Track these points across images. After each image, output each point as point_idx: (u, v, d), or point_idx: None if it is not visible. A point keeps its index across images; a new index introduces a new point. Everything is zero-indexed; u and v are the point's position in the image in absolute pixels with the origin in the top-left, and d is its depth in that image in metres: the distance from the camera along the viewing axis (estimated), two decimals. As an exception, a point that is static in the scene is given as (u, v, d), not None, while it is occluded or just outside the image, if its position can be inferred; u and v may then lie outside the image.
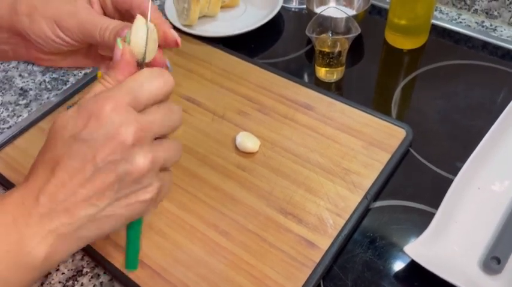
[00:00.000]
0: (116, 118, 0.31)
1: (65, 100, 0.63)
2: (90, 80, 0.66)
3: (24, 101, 0.66)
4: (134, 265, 0.41)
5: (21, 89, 0.68)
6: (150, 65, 0.36)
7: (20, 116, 0.64)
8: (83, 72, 0.70)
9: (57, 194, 0.31)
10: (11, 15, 0.38)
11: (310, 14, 0.69)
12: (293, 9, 0.79)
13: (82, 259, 0.49)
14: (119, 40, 0.34)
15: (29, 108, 0.65)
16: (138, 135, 0.31)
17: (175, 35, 0.38)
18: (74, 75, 0.70)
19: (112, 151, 0.31)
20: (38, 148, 0.58)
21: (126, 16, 0.40)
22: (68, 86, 0.68)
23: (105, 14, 0.41)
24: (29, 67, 0.72)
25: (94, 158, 0.31)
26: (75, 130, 0.31)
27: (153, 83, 0.33)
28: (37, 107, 0.65)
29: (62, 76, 0.70)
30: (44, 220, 0.31)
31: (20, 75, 0.71)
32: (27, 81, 0.69)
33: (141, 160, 0.32)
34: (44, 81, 0.69)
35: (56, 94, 0.67)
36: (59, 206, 0.31)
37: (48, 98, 0.67)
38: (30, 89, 0.68)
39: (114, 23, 0.37)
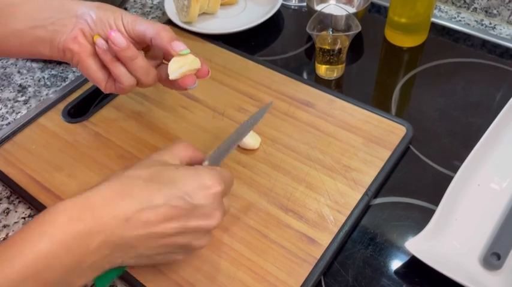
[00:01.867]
0: (218, 203, 0.39)
1: (64, 97, 0.63)
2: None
3: (23, 98, 0.66)
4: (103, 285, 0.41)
5: (20, 85, 0.68)
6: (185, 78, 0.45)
7: (19, 112, 0.64)
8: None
9: (138, 229, 0.36)
10: (82, 7, 0.46)
11: (311, 11, 0.69)
12: (293, 6, 0.79)
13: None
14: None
15: (27, 105, 0.65)
16: (219, 223, 0.39)
17: (207, 67, 0.47)
18: (73, 71, 0.69)
19: (199, 228, 0.38)
20: (37, 143, 0.58)
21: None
22: (67, 82, 0.68)
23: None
24: (28, 64, 0.71)
25: (185, 223, 0.37)
26: (187, 189, 0.37)
27: (232, 183, 0.43)
28: (36, 103, 0.65)
29: (60, 73, 0.69)
30: (112, 243, 0.35)
31: (18, 71, 0.70)
32: (26, 78, 0.69)
33: (206, 242, 0.40)
34: (43, 77, 0.69)
35: (55, 91, 0.67)
36: (132, 241, 0.36)
37: (47, 94, 0.66)
38: (29, 86, 0.68)
39: (168, 29, 0.46)
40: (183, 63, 0.44)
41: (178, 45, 0.44)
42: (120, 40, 0.43)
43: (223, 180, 0.40)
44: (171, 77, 0.44)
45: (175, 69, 0.44)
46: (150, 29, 0.44)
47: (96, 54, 0.45)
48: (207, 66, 0.46)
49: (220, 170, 0.41)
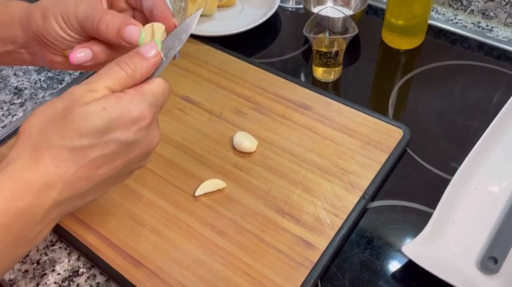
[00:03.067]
0: (153, 130, 0.37)
1: (60, 99, 0.63)
2: (85, 80, 0.65)
3: (19, 100, 0.66)
4: None
5: (16, 88, 0.68)
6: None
7: (15, 115, 0.64)
8: (78, 71, 0.69)
9: (80, 185, 0.34)
10: (28, 21, 0.40)
11: (308, 13, 0.69)
12: (290, 8, 0.78)
13: (78, 260, 0.48)
14: (157, 41, 0.37)
15: (24, 108, 0.65)
16: (158, 141, 0.38)
17: (175, 22, 0.40)
18: (70, 74, 0.69)
19: (140, 156, 0.37)
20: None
21: (137, 11, 0.42)
22: (63, 85, 0.67)
23: (114, 8, 0.42)
24: (24, 66, 0.71)
25: (125, 158, 0.35)
26: (117, 131, 0.34)
27: (167, 95, 0.38)
28: (32, 106, 0.65)
29: (57, 75, 0.69)
30: (59, 207, 0.34)
31: (14, 74, 0.70)
32: (22, 80, 0.69)
33: (148, 161, 0.39)
34: (39, 80, 0.69)
35: (51, 93, 0.66)
36: (78, 196, 0.34)
37: (43, 97, 0.66)
38: (25, 88, 0.68)
39: (109, 17, 0.38)
40: (149, 39, 0.38)
41: (130, 36, 0.37)
42: (83, 59, 0.39)
43: (157, 104, 0.36)
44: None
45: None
46: (88, 21, 0.38)
47: None
48: (173, 21, 0.39)
49: (146, 90, 0.36)
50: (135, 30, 0.37)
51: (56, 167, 0.32)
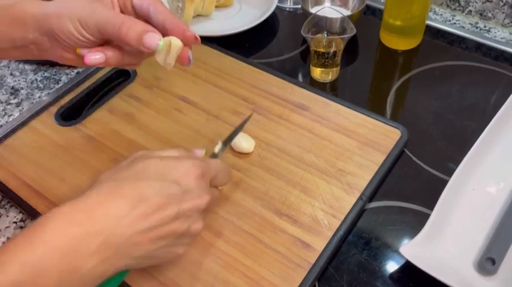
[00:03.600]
0: (202, 185, 0.40)
1: (56, 99, 0.63)
2: (82, 80, 0.65)
3: (16, 100, 0.65)
4: None
5: (13, 88, 0.67)
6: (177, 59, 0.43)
7: (11, 115, 0.63)
8: (75, 71, 0.69)
9: (135, 224, 0.35)
10: (42, 18, 0.41)
11: (305, 14, 0.69)
12: (288, 9, 0.78)
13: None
14: (203, 151, 0.46)
15: (20, 108, 0.64)
16: (208, 206, 0.41)
17: (194, 33, 0.43)
18: (66, 74, 0.69)
19: (192, 208, 0.39)
20: (29, 146, 0.57)
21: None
22: (60, 85, 0.67)
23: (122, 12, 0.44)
24: (21, 66, 0.71)
25: (181, 205, 0.38)
26: (172, 176, 0.39)
27: (224, 174, 0.45)
28: (28, 106, 0.64)
29: (54, 75, 0.69)
30: (112, 244, 0.34)
31: (11, 74, 0.70)
32: (19, 80, 0.68)
33: (201, 225, 0.41)
34: (36, 80, 0.68)
35: (48, 93, 0.66)
36: (136, 233, 0.35)
37: (40, 97, 0.66)
38: (22, 88, 0.67)
39: (131, 22, 0.40)
40: (165, 51, 0.41)
41: (150, 43, 0.40)
42: (96, 62, 0.41)
43: (208, 166, 0.42)
44: (158, 61, 0.42)
45: (163, 60, 0.41)
46: (108, 26, 0.40)
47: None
48: (190, 33, 0.42)
49: (205, 159, 0.43)
50: (155, 38, 0.40)
51: (119, 205, 0.35)
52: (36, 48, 0.43)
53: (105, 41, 0.42)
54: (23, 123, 0.60)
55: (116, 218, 0.34)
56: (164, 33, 0.41)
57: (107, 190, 0.36)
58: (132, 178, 0.38)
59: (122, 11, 0.44)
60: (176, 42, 0.41)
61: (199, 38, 0.43)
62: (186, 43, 0.42)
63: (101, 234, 0.34)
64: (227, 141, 0.51)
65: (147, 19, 0.43)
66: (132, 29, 0.39)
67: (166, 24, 0.42)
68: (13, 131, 0.59)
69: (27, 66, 0.70)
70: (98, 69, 0.66)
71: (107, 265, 0.34)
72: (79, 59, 0.43)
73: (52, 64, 0.70)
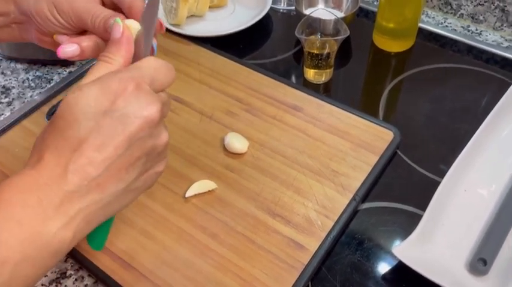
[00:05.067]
0: (143, 97, 0.33)
1: (48, 99, 0.62)
2: (74, 79, 0.65)
3: (7, 100, 0.65)
4: (101, 245, 0.41)
5: (4, 87, 0.67)
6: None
7: (2, 114, 0.63)
8: (68, 70, 0.69)
9: (87, 170, 0.31)
10: None
11: (299, 15, 0.69)
12: (282, 10, 0.78)
13: (66, 261, 0.48)
14: (118, 19, 0.37)
15: (11, 107, 0.64)
16: (161, 114, 0.34)
17: (159, 19, 0.41)
18: (59, 73, 0.68)
19: (142, 127, 0.33)
20: (21, 146, 0.57)
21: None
22: (51, 84, 0.67)
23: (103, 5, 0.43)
24: (12, 65, 0.70)
25: (126, 134, 0.32)
26: (101, 108, 0.32)
27: (163, 72, 0.36)
28: (20, 105, 0.64)
29: (45, 74, 0.68)
30: (73, 199, 0.31)
31: (2, 73, 0.69)
32: (10, 79, 0.68)
33: (165, 135, 0.35)
34: (27, 79, 0.68)
35: (40, 92, 0.65)
36: (90, 183, 0.31)
37: (31, 96, 0.65)
38: (13, 87, 0.67)
39: (106, 12, 0.39)
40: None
41: (115, 32, 0.37)
42: (70, 54, 0.40)
43: (139, 73, 0.34)
44: None
45: None
46: (85, 15, 0.39)
47: None
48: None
49: (133, 66, 0.35)
50: (116, 25, 0.37)
51: (60, 161, 0.31)
52: (17, 28, 0.43)
53: (83, 31, 0.41)
54: (14, 123, 0.59)
55: (61, 176, 0.31)
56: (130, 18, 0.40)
57: (41, 149, 0.32)
58: (59, 129, 0.32)
59: (103, 4, 0.42)
60: (134, 25, 0.38)
61: (164, 26, 0.42)
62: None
63: (54, 194, 0.31)
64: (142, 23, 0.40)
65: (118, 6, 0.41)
66: (102, 17, 0.39)
67: (132, 7, 0.40)
68: (4, 130, 0.58)
69: (19, 66, 0.70)
70: (89, 68, 0.65)
71: (77, 224, 0.32)
72: (55, 44, 0.42)
73: (44, 63, 0.69)
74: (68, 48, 0.40)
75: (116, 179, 0.33)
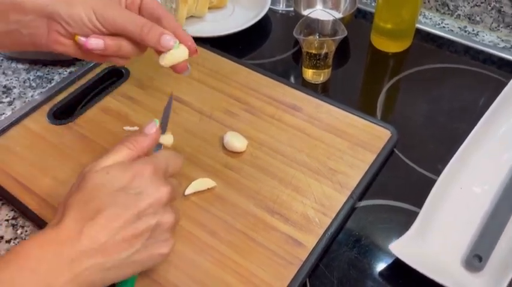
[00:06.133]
0: (156, 180, 0.40)
1: (49, 98, 0.63)
2: (75, 79, 0.65)
3: (8, 99, 0.65)
4: None
5: (5, 86, 0.67)
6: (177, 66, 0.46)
7: (3, 114, 0.63)
8: (68, 70, 0.69)
9: (98, 236, 0.36)
10: (44, 1, 0.42)
11: (298, 16, 0.70)
12: (280, 11, 0.79)
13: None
14: (157, 121, 0.44)
15: (12, 106, 0.64)
16: (169, 195, 0.40)
17: (196, 46, 0.47)
18: (59, 73, 0.69)
19: (152, 205, 0.38)
20: (22, 145, 0.57)
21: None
22: (52, 84, 0.67)
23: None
24: (13, 65, 0.71)
25: (137, 207, 0.38)
26: (120, 185, 0.38)
27: (175, 162, 0.43)
28: (21, 105, 0.64)
29: (46, 74, 0.69)
30: (83, 259, 0.35)
31: (3, 72, 0.69)
32: (11, 79, 0.68)
33: (171, 216, 0.40)
34: (28, 79, 0.68)
35: (41, 92, 0.66)
36: (99, 246, 0.36)
37: (32, 96, 0.66)
38: (14, 87, 0.67)
39: (150, 24, 0.43)
40: (176, 55, 0.45)
41: (167, 42, 0.44)
42: (96, 46, 0.43)
43: (156, 160, 0.41)
44: (162, 64, 0.45)
45: (169, 60, 0.45)
46: (130, 25, 0.43)
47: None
48: (195, 45, 0.47)
49: (152, 155, 0.43)
50: (170, 41, 0.44)
51: (75, 225, 0.36)
52: (28, 33, 0.44)
53: (109, 33, 0.43)
54: (16, 122, 0.60)
55: (74, 239, 0.36)
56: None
57: (71, 218, 0.37)
58: (82, 199, 0.38)
59: (127, 8, 0.46)
60: (184, 51, 0.45)
61: (198, 52, 0.47)
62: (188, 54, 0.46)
63: (67, 256, 0.35)
64: (163, 126, 0.50)
65: (156, 22, 0.45)
66: (152, 30, 0.43)
67: (176, 34, 0.45)
68: (5, 129, 0.59)
69: (20, 66, 0.70)
70: (91, 68, 0.66)
71: (80, 279, 0.35)
72: (72, 46, 0.44)
73: (45, 63, 0.70)
74: (94, 41, 0.43)
75: (121, 247, 0.37)
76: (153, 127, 0.43)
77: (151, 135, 0.43)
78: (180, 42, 0.45)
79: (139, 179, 0.39)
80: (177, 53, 0.45)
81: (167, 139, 0.50)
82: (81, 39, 0.43)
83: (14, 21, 0.43)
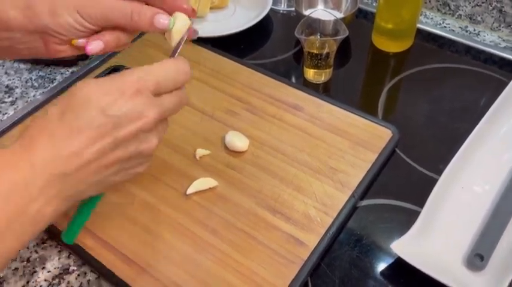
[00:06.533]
0: (139, 103, 0.35)
1: (51, 98, 0.63)
2: (76, 79, 0.66)
3: (10, 99, 0.66)
4: (72, 239, 0.42)
5: (7, 86, 0.68)
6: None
7: (6, 113, 0.63)
8: (70, 70, 0.69)
9: (74, 161, 0.34)
10: (27, 17, 0.41)
11: (299, 16, 0.70)
12: (282, 11, 0.79)
13: (69, 257, 0.48)
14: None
15: (14, 106, 0.64)
16: (156, 121, 0.36)
17: (191, 6, 0.43)
18: (61, 73, 0.69)
19: (131, 133, 0.35)
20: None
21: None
22: (54, 84, 0.67)
23: None
24: (15, 65, 0.71)
25: (113, 136, 0.35)
26: (101, 104, 0.34)
27: (177, 75, 0.38)
28: (23, 105, 0.64)
29: (48, 74, 0.69)
30: (56, 182, 0.34)
31: (6, 72, 0.70)
32: (13, 79, 0.69)
33: (155, 141, 0.37)
34: (31, 79, 0.69)
35: (43, 92, 0.66)
36: (74, 171, 0.34)
37: (34, 96, 0.66)
38: (16, 87, 0.67)
39: (139, 8, 0.41)
40: (179, 29, 0.42)
41: (162, 23, 0.41)
42: (97, 49, 0.42)
43: (144, 76, 0.36)
44: (173, 45, 0.43)
45: (176, 37, 0.42)
46: (118, 16, 0.41)
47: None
48: (188, 6, 0.43)
49: (142, 68, 0.37)
50: (165, 19, 0.41)
51: (52, 145, 0.34)
52: (25, 48, 0.43)
53: (102, 28, 0.42)
54: (18, 122, 0.60)
55: (50, 160, 0.34)
56: (165, 11, 0.42)
57: (36, 132, 0.35)
58: (58, 115, 0.35)
59: None
60: (185, 19, 0.42)
61: (196, 10, 0.44)
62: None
63: (40, 177, 0.33)
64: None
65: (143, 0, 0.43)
66: (142, 14, 0.41)
67: (167, 3, 0.42)
68: (7, 129, 0.59)
69: (22, 65, 0.71)
70: (92, 68, 0.66)
71: (56, 203, 0.35)
72: (73, 49, 0.43)
73: (47, 63, 0.70)
74: (94, 45, 0.42)
75: (96, 173, 0.36)
76: (163, 21, 0.41)
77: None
78: (172, 10, 0.42)
79: (120, 99, 0.35)
80: (179, 26, 0.42)
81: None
82: (79, 41, 0.42)
83: (5, 39, 0.42)
